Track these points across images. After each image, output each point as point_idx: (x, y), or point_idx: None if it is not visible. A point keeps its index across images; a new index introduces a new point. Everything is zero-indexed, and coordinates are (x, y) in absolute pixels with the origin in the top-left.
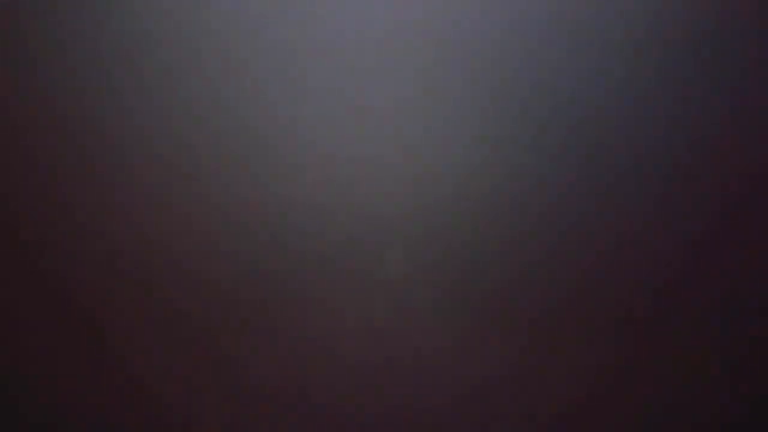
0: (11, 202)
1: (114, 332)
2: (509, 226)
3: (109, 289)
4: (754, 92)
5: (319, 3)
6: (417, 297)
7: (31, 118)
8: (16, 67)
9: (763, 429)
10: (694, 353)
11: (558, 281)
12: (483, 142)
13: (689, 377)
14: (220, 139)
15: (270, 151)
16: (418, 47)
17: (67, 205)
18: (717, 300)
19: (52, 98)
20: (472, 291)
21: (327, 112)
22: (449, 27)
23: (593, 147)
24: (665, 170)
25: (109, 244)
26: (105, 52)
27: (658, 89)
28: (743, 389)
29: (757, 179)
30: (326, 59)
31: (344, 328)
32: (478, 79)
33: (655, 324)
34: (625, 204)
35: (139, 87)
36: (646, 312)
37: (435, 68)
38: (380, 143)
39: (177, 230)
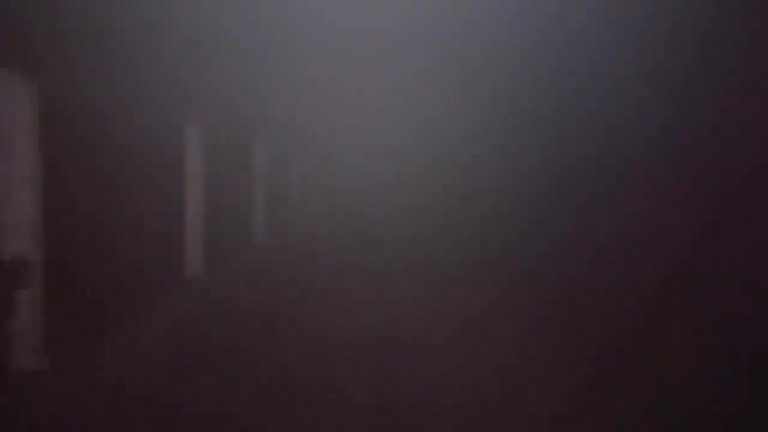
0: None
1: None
2: (509, 224)
3: (111, 284)
4: (754, 92)
5: (322, 6)
6: (416, 294)
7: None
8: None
9: (763, 429)
10: (694, 351)
11: (557, 278)
12: (482, 141)
13: (689, 376)
14: (221, 141)
15: (269, 152)
16: (418, 47)
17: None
18: (717, 299)
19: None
20: (471, 288)
21: (326, 111)
22: (449, 27)
23: (592, 146)
24: (665, 170)
25: (110, 243)
26: (107, 52)
27: (657, 90)
28: (743, 389)
29: (758, 180)
30: (326, 60)
31: (354, 325)
32: (478, 79)
33: (655, 322)
34: (625, 203)
35: (143, 85)
36: (646, 309)
37: (435, 68)
38: (379, 143)
39: (180, 229)
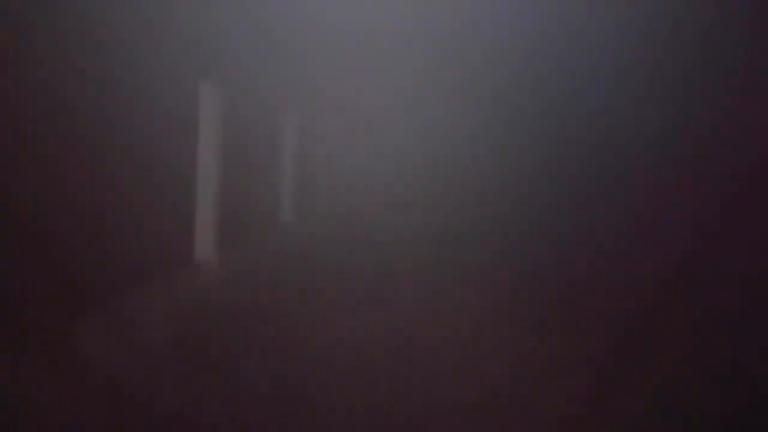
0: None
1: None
2: (509, 224)
3: (111, 282)
4: (754, 92)
5: (323, 7)
6: (416, 295)
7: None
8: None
9: (763, 429)
10: (693, 352)
11: (557, 278)
12: (482, 141)
13: (689, 376)
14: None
15: (271, 152)
16: (418, 47)
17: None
18: (717, 299)
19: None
20: (471, 288)
21: (326, 112)
22: (449, 27)
23: (592, 146)
24: (665, 170)
25: (110, 243)
26: (108, 51)
27: (657, 90)
28: (743, 389)
29: (758, 180)
30: (327, 60)
31: (359, 327)
32: (478, 79)
33: (655, 321)
34: (625, 203)
35: (146, 85)
36: (646, 309)
37: (434, 68)
38: (380, 143)
39: (183, 230)
